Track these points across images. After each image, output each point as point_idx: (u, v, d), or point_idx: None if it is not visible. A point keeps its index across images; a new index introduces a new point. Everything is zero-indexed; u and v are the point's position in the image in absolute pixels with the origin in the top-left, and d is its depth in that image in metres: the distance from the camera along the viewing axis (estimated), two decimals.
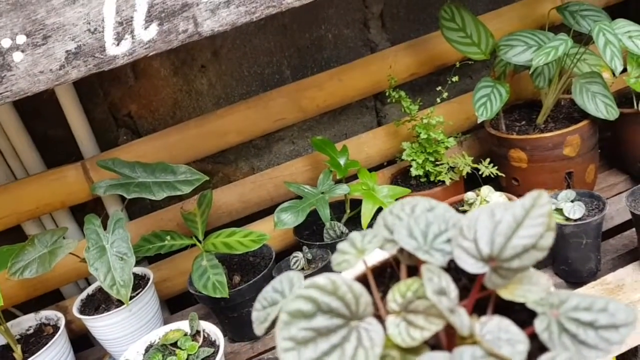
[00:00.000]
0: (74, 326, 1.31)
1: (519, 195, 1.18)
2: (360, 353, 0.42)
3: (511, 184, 1.32)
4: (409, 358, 0.44)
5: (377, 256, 0.58)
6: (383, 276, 0.57)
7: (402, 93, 1.27)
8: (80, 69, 0.78)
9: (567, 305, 0.45)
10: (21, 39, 0.75)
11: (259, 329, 0.53)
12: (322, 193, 1.20)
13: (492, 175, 1.22)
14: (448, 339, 0.47)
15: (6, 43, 0.74)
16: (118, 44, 0.79)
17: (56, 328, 1.15)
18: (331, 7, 1.40)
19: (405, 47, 1.39)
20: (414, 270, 0.52)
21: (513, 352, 0.41)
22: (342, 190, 1.20)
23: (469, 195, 1.14)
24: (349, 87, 1.34)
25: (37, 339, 1.15)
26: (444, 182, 1.26)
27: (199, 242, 1.16)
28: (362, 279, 0.54)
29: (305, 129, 1.49)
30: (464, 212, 1.16)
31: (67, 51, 0.77)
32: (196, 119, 1.30)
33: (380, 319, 0.46)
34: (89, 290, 1.21)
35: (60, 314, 1.16)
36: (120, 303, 1.13)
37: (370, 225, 1.17)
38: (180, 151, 1.28)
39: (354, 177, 1.36)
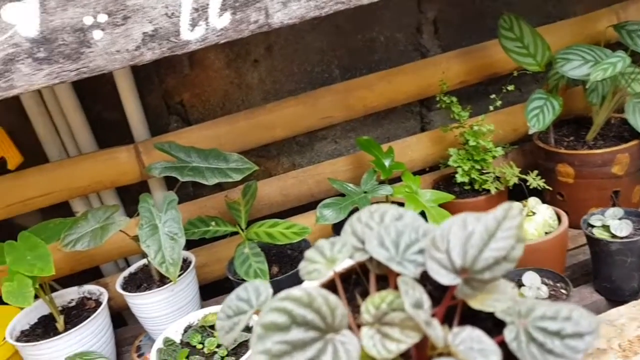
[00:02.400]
0: (112, 303, 1.33)
1: (564, 211, 1.18)
2: None
3: (555, 199, 1.31)
4: None
5: (343, 263, 0.57)
6: (348, 282, 0.57)
7: (454, 99, 1.27)
8: (155, 51, 0.81)
9: (534, 315, 0.45)
10: (102, 18, 0.78)
11: (225, 339, 0.51)
12: (365, 192, 1.21)
13: (539, 188, 1.22)
14: (418, 350, 0.47)
15: (88, 20, 0.77)
16: (192, 30, 0.81)
17: (98, 303, 1.18)
18: (386, 9, 1.42)
19: (457, 54, 1.39)
20: (382, 278, 0.52)
21: None
22: (385, 191, 1.21)
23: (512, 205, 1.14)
24: (398, 89, 1.36)
25: (79, 311, 1.18)
26: (487, 191, 1.26)
27: (242, 230, 1.18)
28: (329, 286, 0.53)
29: (348, 130, 1.50)
30: None
31: (144, 33, 0.80)
32: (246, 112, 1.32)
33: (351, 329, 0.45)
34: (131, 269, 1.24)
35: (102, 289, 1.19)
36: (161, 283, 1.16)
37: None
38: (228, 141, 1.30)
39: (397, 179, 1.37)
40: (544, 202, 1.27)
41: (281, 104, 1.32)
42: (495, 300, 0.47)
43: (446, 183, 1.36)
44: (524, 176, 1.23)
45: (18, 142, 1.22)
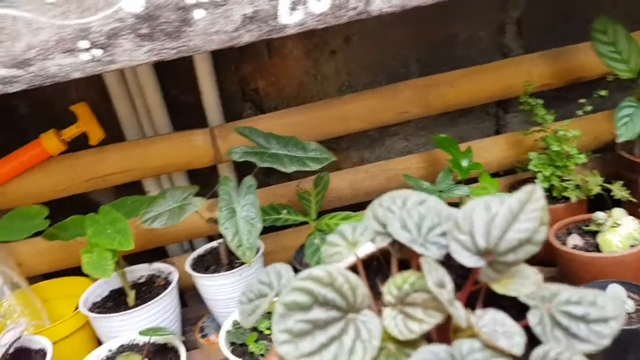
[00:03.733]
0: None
1: None
2: (359, 345, 0.42)
3: (637, 212, 1.26)
4: (405, 351, 0.43)
5: (364, 249, 0.57)
6: (369, 269, 0.56)
7: (539, 101, 1.23)
8: (253, 34, 0.81)
9: (559, 299, 0.45)
10: None
11: (246, 321, 0.52)
12: (440, 192, 1.19)
13: (622, 200, 1.17)
14: (439, 332, 0.46)
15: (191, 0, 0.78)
16: (291, 14, 0.81)
17: (167, 281, 1.20)
18: (470, 6, 1.38)
19: (542, 55, 1.35)
20: (404, 263, 0.52)
21: (510, 344, 0.41)
22: (462, 192, 1.18)
23: (600, 215, 1.10)
24: (479, 88, 1.32)
25: (149, 288, 1.20)
26: (566, 198, 1.21)
27: (313, 220, 1.18)
28: (351, 270, 0.53)
29: (421, 127, 1.48)
30: (591, 232, 1.12)
31: (244, 15, 0.79)
32: (322, 102, 1.31)
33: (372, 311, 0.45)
34: (199, 251, 1.25)
35: (173, 268, 1.21)
36: (229, 267, 1.16)
37: None
38: (301, 131, 1.29)
39: (472, 180, 1.34)
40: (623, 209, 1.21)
41: (359, 96, 1.31)
42: (519, 285, 0.46)
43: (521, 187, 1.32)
44: (608, 186, 1.18)
45: (98, 118, 1.25)
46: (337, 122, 1.31)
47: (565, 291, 0.45)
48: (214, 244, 1.26)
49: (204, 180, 1.40)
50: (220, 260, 1.19)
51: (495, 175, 1.42)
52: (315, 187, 1.21)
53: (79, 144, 1.23)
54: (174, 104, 1.35)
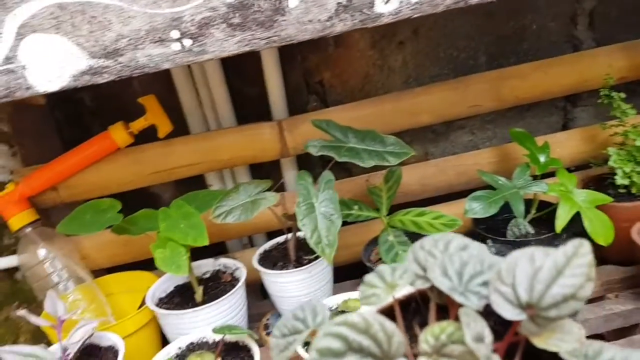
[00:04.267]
0: None
1: None
2: None
3: None
4: None
5: (403, 290, 0.56)
6: (406, 310, 0.55)
7: (621, 94, 1.18)
8: (346, 23, 0.78)
9: (602, 357, 0.43)
10: None
11: (279, 357, 0.51)
12: (517, 187, 1.15)
13: None
14: None
15: None
16: (387, 2, 0.77)
17: (233, 277, 1.18)
18: None
19: (618, 48, 1.29)
20: (443, 308, 0.51)
21: None
22: (539, 188, 1.13)
23: None
24: (553, 82, 1.27)
25: (215, 284, 1.18)
26: None
27: (384, 217, 1.14)
28: (387, 312, 0.53)
29: (487, 121, 1.43)
30: None
31: (338, 3, 0.76)
32: (391, 95, 1.28)
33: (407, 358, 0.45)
34: (266, 246, 1.23)
35: (240, 264, 1.19)
36: (298, 264, 1.14)
37: (564, 230, 1.11)
38: (368, 124, 1.26)
39: (547, 175, 1.29)
40: None
41: (429, 88, 1.27)
42: (561, 340, 0.44)
43: (597, 184, 1.27)
44: None
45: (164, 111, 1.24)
46: (406, 115, 1.27)
47: (610, 350, 0.44)
48: (280, 239, 1.24)
49: (266, 175, 1.38)
50: (288, 256, 1.17)
51: (567, 170, 1.37)
52: (387, 182, 1.18)
53: (144, 136, 1.22)
54: (238, 96, 1.33)
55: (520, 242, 1.13)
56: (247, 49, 0.78)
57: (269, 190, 1.06)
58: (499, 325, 0.49)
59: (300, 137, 1.22)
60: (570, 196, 1.13)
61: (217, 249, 1.41)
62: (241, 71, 1.32)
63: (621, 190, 1.22)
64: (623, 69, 1.30)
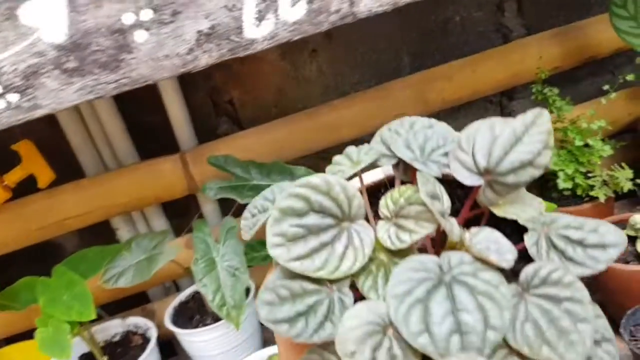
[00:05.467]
0: (160, 331, 1.19)
1: None
2: (350, 252, 0.42)
3: None
4: (395, 261, 0.43)
5: (372, 176, 0.59)
6: (376, 197, 0.54)
7: (555, 90, 1.07)
8: (212, 54, 0.64)
9: (559, 223, 0.45)
10: (146, 15, 0.60)
11: (246, 234, 0.52)
12: None
13: None
14: (435, 247, 0.47)
15: (128, 19, 0.60)
16: (258, 25, 0.64)
17: (145, 338, 1.04)
18: None
19: (550, 35, 1.19)
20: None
21: (500, 259, 0.40)
22: None
23: (637, 219, 0.94)
24: (482, 79, 1.16)
25: (125, 349, 1.03)
26: (593, 197, 1.06)
27: None
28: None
29: None
30: (629, 237, 0.97)
31: (198, 31, 0.62)
32: (308, 111, 1.15)
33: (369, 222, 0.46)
34: (182, 296, 1.09)
35: (150, 324, 1.04)
36: (217, 316, 1.00)
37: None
38: (288, 146, 1.13)
39: None
40: None
41: (348, 100, 1.14)
42: (520, 210, 0.46)
43: (541, 187, 1.17)
44: None
45: (50, 152, 1.07)
46: (327, 131, 1.14)
47: (567, 217, 0.46)
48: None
49: (182, 210, 1.23)
50: (205, 307, 1.03)
51: None
52: None
53: (26, 188, 1.06)
54: (137, 128, 1.17)
55: None
56: (91, 97, 0.63)
57: (181, 228, 0.92)
58: (461, 201, 0.50)
59: (209, 170, 1.08)
60: None
61: (138, 298, 1.26)
62: (136, 98, 1.15)
63: (566, 193, 1.12)
64: (557, 58, 1.19)
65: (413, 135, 0.51)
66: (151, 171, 1.09)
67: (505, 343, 0.38)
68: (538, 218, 0.46)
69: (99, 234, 1.19)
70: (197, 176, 1.10)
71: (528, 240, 0.45)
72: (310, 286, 0.42)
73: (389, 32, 1.22)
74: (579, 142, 1.04)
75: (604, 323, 0.43)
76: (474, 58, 1.17)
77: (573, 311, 0.39)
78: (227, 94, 1.21)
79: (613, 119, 1.24)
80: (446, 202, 0.45)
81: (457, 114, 1.32)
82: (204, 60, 0.64)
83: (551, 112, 1.10)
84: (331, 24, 0.65)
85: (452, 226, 0.42)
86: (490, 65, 1.17)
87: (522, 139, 0.44)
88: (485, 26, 1.27)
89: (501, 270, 0.41)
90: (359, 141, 1.22)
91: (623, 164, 1.08)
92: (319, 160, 1.27)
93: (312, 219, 0.43)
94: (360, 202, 0.45)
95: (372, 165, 0.53)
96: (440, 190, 0.45)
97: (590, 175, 1.08)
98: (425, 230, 0.43)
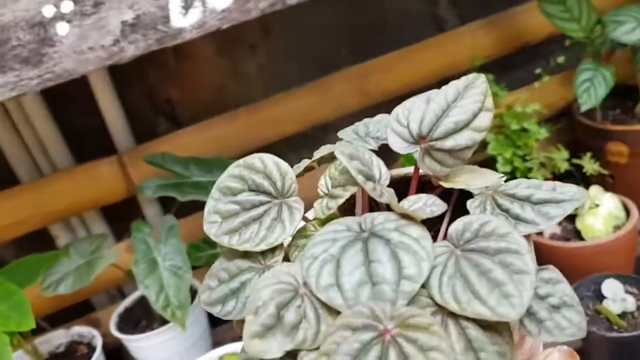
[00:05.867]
0: (107, 341, 1.15)
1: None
2: (278, 226, 0.43)
3: (605, 182, 1.15)
4: None
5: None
6: None
7: (489, 76, 1.10)
8: (139, 45, 0.62)
9: (510, 185, 0.44)
10: (67, 6, 0.58)
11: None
12: None
13: (594, 174, 1.06)
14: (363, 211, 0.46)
15: (49, 11, 0.58)
16: (185, 14, 0.62)
17: (91, 347, 1.00)
18: None
19: (482, 24, 1.22)
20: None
21: (420, 211, 0.40)
22: None
23: None
24: (419, 70, 1.18)
25: (70, 359, 1.00)
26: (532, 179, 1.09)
27: None
28: None
29: (365, 116, 1.32)
30: (568, 216, 1.00)
31: (122, 22, 0.61)
32: (247, 107, 1.13)
33: None
34: (127, 303, 1.06)
35: (95, 332, 1.01)
36: (164, 320, 0.98)
37: None
38: (228, 143, 1.12)
39: None
40: (590, 185, 1.10)
41: (288, 95, 1.14)
42: (472, 180, 0.44)
43: None
44: (577, 161, 1.06)
45: None
46: (268, 127, 1.13)
47: (524, 181, 0.44)
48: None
49: (124, 214, 1.19)
50: (151, 312, 1.00)
51: None
52: None
53: None
54: (72, 131, 1.13)
55: None
56: (13, 93, 0.60)
57: (121, 231, 0.89)
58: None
59: (149, 169, 1.05)
60: None
61: (82, 307, 1.21)
62: (69, 100, 1.12)
63: (507, 177, 1.14)
64: (490, 46, 1.22)
65: (364, 126, 0.52)
66: (88, 175, 1.06)
67: (433, 302, 0.36)
68: (492, 186, 0.44)
69: (38, 244, 1.14)
70: (136, 178, 1.07)
71: (471, 203, 0.43)
72: (244, 264, 0.42)
73: (327, 26, 1.22)
74: (515, 126, 1.07)
75: (564, 287, 0.39)
76: (411, 49, 1.18)
77: (509, 262, 0.36)
78: (165, 93, 1.19)
79: (547, 103, 1.28)
80: (382, 170, 0.44)
81: (398, 104, 1.34)
82: (131, 51, 0.62)
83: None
84: (260, 11, 0.64)
85: (376, 188, 0.40)
86: (426, 55, 1.19)
87: (456, 102, 0.43)
88: (421, 18, 1.29)
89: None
90: (301, 135, 1.23)
91: (559, 146, 1.11)
92: None
93: (246, 196, 0.44)
94: (292, 178, 0.45)
95: None
96: (376, 161, 0.44)
97: (527, 158, 1.11)
98: (349, 192, 0.42)
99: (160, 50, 1.13)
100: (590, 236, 0.93)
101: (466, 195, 0.45)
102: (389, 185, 0.46)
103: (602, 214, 0.94)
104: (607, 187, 1.09)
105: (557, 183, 0.43)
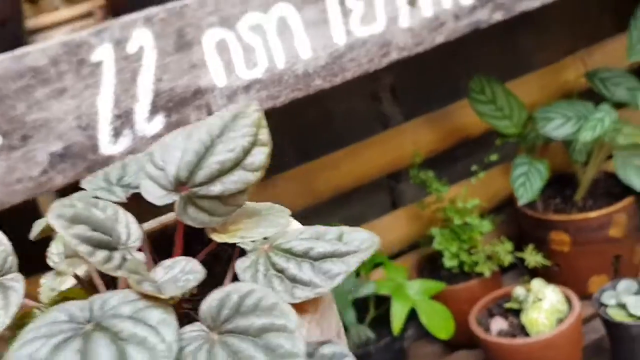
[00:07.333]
0: None
1: (561, 283, 1.04)
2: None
3: (550, 270, 1.17)
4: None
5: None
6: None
7: (430, 173, 1.13)
8: (67, 174, 0.63)
9: (288, 237, 0.38)
10: None
11: None
12: (344, 292, 1.04)
13: (538, 266, 1.08)
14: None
15: None
16: (115, 142, 0.64)
17: None
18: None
19: (423, 121, 1.27)
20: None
21: (156, 289, 0.32)
22: (368, 289, 1.04)
23: (519, 292, 0.99)
24: (367, 165, 1.22)
25: None
26: (480, 273, 1.11)
27: None
28: None
29: (312, 214, 1.33)
30: (512, 310, 1.01)
31: (51, 153, 0.62)
32: None
33: None
34: None
35: None
36: None
37: (403, 330, 1.01)
38: None
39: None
40: (536, 274, 1.12)
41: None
42: (252, 232, 0.38)
43: (431, 266, 1.20)
44: (520, 253, 1.09)
45: None
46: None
47: (308, 229, 0.39)
48: None
49: None
50: None
51: (399, 253, 1.30)
52: None
53: None
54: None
55: (361, 355, 1.02)
56: None
57: None
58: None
59: None
60: (403, 290, 1.05)
61: None
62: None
63: (455, 271, 1.16)
64: (432, 141, 1.27)
65: (121, 168, 0.47)
66: None
67: None
68: (275, 237, 0.38)
69: None
70: None
71: (241, 265, 0.36)
72: None
73: (272, 126, 1.25)
74: (457, 221, 1.09)
75: None
76: (357, 146, 1.22)
77: (274, 345, 0.29)
78: None
79: (490, 194, 1.32)
80: (130, 230, 0.36)
81: (349, 199, 1.36)
82: (59, 180, 0.62)
83: (431, 192, 1.16)
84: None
85: (115, 260, 0.33)
86: (372, 152, 1.22)
87: (221, 138, 0.38)
88: (366, 115, 1.34)
89: None
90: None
91: (502, 238, 1.14)
92: None
93: None
94: (13, 259, 0.38)
95: None
96: (124, 217, 0.37)
97: (473, 252, 1.13)
98: (74, 269, 0.36)
99: None
100: (535, 331, 0.93)
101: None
102: (155, 241, 0.40)
103: (545, 307, 0.96)
104: (554, 276, 1.11)
105: (345, 228, 0.39)
